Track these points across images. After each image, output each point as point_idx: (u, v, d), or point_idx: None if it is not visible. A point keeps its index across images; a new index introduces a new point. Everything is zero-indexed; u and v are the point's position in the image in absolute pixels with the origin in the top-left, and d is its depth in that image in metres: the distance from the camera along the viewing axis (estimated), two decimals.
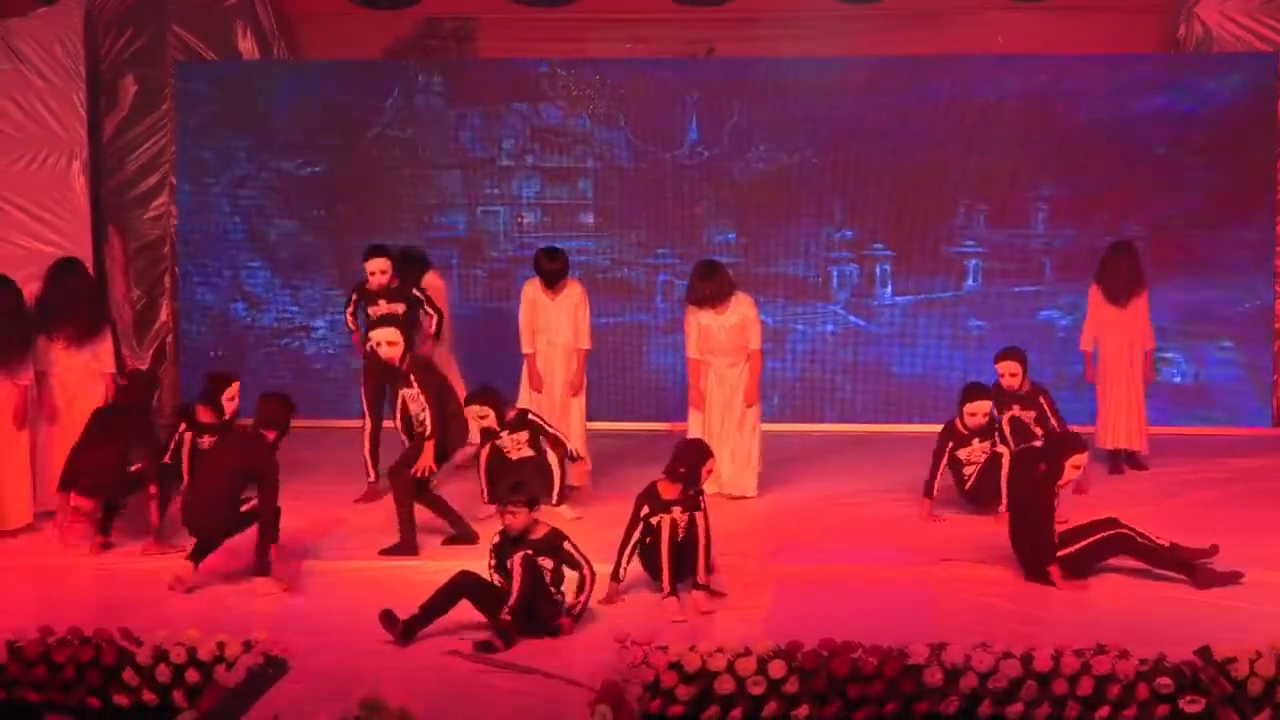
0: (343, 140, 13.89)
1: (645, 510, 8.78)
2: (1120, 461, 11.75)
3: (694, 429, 11.01)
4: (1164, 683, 7.37)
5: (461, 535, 9.89)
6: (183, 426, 10.21)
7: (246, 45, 13.91)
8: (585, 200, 13.92)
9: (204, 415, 10.20)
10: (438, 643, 8.17)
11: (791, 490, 11.32)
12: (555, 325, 11.13)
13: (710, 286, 10.92)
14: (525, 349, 11.26)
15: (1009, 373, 10.96)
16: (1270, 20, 13.31)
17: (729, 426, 11.05)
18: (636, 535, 8.79)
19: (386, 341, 10.04)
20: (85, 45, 13.12)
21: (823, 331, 13.86)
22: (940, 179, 13.66)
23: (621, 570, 8.85)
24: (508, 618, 8.21)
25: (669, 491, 8.82)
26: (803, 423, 13.60)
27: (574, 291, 11.20)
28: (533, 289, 11.19)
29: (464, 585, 8.33)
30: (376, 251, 11.27)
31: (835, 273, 13.89)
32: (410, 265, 11.74)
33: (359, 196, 13.88)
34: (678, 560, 8.72)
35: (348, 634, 8.36)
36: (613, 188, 13.89)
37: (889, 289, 13.86)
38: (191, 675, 7.59)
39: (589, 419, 11.50)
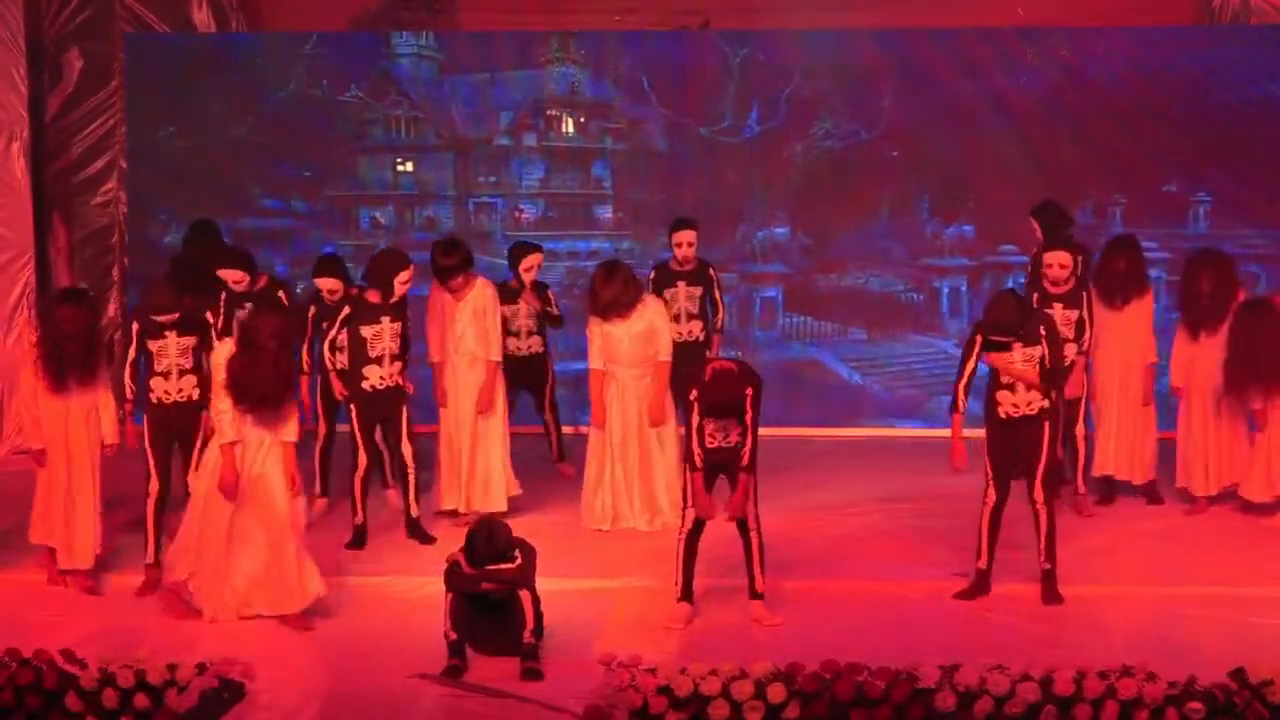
0: (307, 121, 13.77)
1: (694, 394, 8.74)
2: (1114, 490, 10.99)
3: (595, 450, 10.51)
4: (1195, 708, 7.40)
5: None
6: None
7: (201, 17, 13.84)
8: (603, 190, 13.44)
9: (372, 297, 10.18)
10: (402, 665, 8.15)
11: (787, 500, 11.00)
12: (461, 333, 10.40)
13: (609, 293, 10.23)
14: (433, 356, 10.63)
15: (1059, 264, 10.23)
16: None
17: (633, 449, 10.49)
18: (696, 420, 8.73)
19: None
20: (26, 16, 13.03)
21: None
22: (1053, 166, 12.49)
23: (696, 457, 8.75)
24: (531, 640, 8.18)
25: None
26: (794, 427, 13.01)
27: (482, 294, 10.45)
28: (439, 293, 10.47)
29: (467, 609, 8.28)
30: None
31: (945, 289, 12.35)
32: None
33: (324, 184, 13.78)
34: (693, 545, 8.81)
35: (310, 656, 8.39)
36: (638, 174, 13.25)
37: None
38: (140, 700, 7.58)
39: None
